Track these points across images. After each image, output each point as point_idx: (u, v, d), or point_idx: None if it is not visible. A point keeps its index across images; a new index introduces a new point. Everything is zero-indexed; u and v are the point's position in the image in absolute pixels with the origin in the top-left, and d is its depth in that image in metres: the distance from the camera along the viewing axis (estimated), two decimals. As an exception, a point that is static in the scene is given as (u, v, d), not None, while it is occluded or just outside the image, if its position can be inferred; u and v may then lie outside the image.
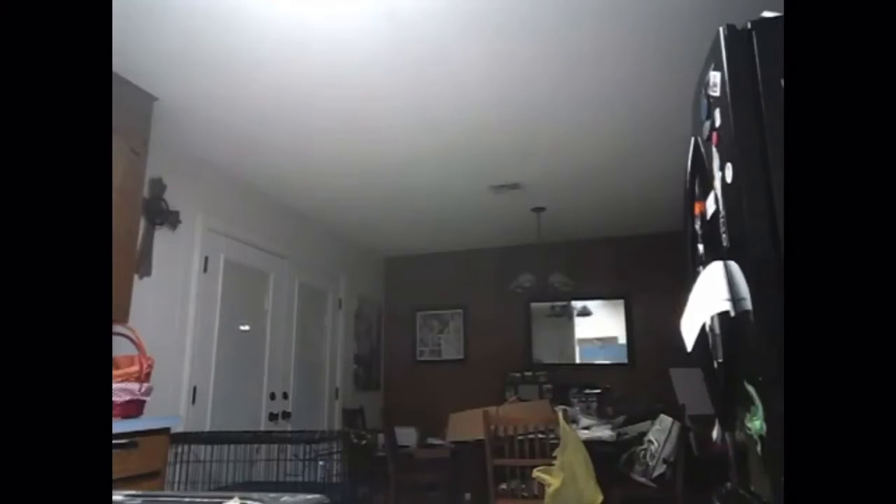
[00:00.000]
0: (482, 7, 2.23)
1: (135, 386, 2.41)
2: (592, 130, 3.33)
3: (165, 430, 2.49)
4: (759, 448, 1.21)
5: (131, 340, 2.51)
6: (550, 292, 4.93)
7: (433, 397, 5.53)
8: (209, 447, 3.14)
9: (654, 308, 5.25)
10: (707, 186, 1.47)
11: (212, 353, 3.65)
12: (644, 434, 3.39)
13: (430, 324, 6.06)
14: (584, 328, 5.62)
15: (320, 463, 3.28)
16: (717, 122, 1.35)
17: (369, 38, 2.41)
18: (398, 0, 2.19)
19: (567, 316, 5.62)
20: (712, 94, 1.36)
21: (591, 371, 5.43)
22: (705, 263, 1.39)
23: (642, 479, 3.25)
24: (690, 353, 1.39)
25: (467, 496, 4.27)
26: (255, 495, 0.84)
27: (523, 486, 3.11)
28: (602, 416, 4.26)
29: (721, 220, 1.35)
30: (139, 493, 0.91)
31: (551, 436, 3.05)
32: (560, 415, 3.01)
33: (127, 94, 2.65)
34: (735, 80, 1.26)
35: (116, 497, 0.83)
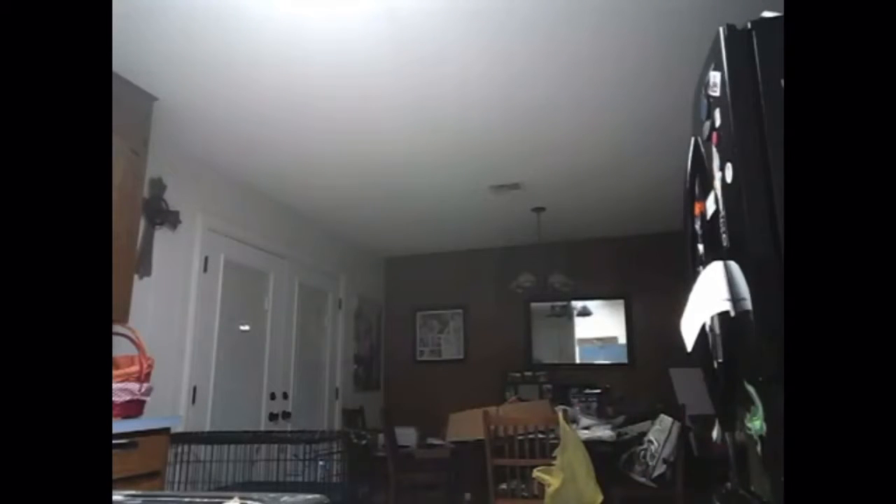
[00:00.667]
0: (482, 7, 2.23)
1: (135, 386, 2.41)
2: (592, 130, 3.33)
3: (165, 430, 2.49)
4: (759, 448, 1.21)
5: (131, 340, 2.51)
6: (550, 292, 4.93)
7: (433, 397, 5.53)
8: (209, 447, 3.14)
9: (654, 308, 5.25)
10: (707, 186, 1.47)
11: (212, 353, 3.66)
12: (644, 434, 3.39)
13: (430, 324, 6.07)
14: (584, 328, 5.63)
15: (320, 463, 3.28)
16: (717, 122, 1.35)
17: (369, 38, 2.41)
18: (398, 0, 2.19)
19: (567, 316, 5.62)
20: (712, 94, 1.36)
21: (591, 371, 5.43)
22: (705, 263, 1.39)
23: (642, 479, 3.25)
24: (690, 353, 1.39)
25: (467, 496, 4.27)
26: (255, 495, 0.84)
27: (523, 486, 3.11)
28: (602, 416, 4.26)
29: (721, 220, 1.35)
30: (139, 493, 0.91)
31: (551, 436, 3.05)
32: (560, 415, 3.01)
33: (127, 94, 2.65)
34: (735, 80, 1.26)
35: (116, 497, 0.83)
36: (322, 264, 5.09)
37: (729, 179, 1.28)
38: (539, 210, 4.71)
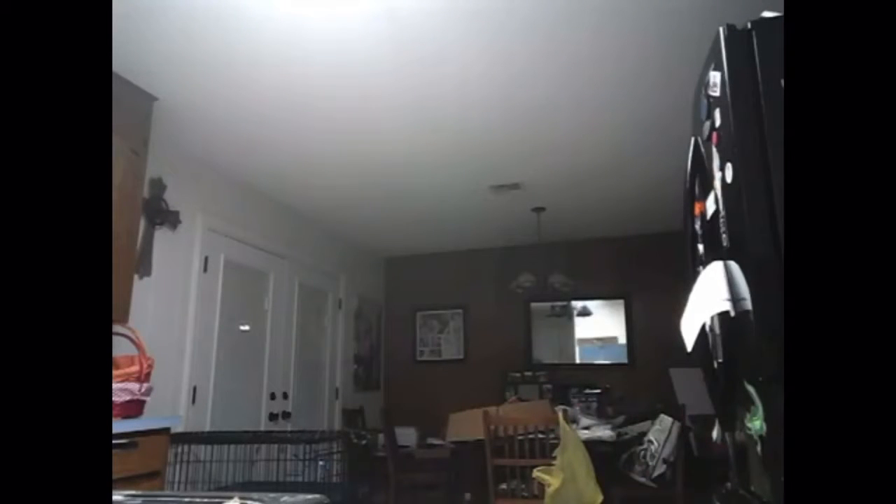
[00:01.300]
0: (482, 7, 2.23)
1: (135, 386, 2.41)
2: (593, 130, 3.33)
3: (165, 430, 2.49)
4: (759, 448, 1.21)
5: (131, 340, 2.51)
6: (550, 292, 4.93)
7: (433, 397, 5.53)
8: (209, 447, 3.14)
9: (654, 308, 5.25)
10: (707, 186, 1.47)
11: (212, 353, 3.66)
12: (644, 434, 3.39)
13: (430, 324, 6.07)
14: (584, 328, 5.63)
15: (320, 463, 3.28)
16: (717, 122, 1.35)
17: (369, 38, 2.41)
18: (398, 0, 2.19)
19: (567, 316, 5.62)
20: (712, 94, 1.36)
21: (591, 371, 5.43)
22: (705, 263, 1.39)
23: (642, 479, 3.25)
24: (690, 353, 1.39)
25: (467, 496, 4.27)
26: (255, 495, 0.84)
27: (523, 486, 3.11)
28: (602, 416, 4.26)
29: (721, 220, 1.35)
30: (139, 493, 0.91)
31: (551, 436, 3.05)
32: (560, 415, 3.01)
33: (127, 94, 2.65)
34: (735, 80, 1.26)
35: (116, 497, 0.83)
36: (322, 264, 5.09)
37: (729, 179, 1.28)
38: (539, 210, 4.71)
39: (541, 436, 3.08)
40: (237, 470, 3.20)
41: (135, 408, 2.42)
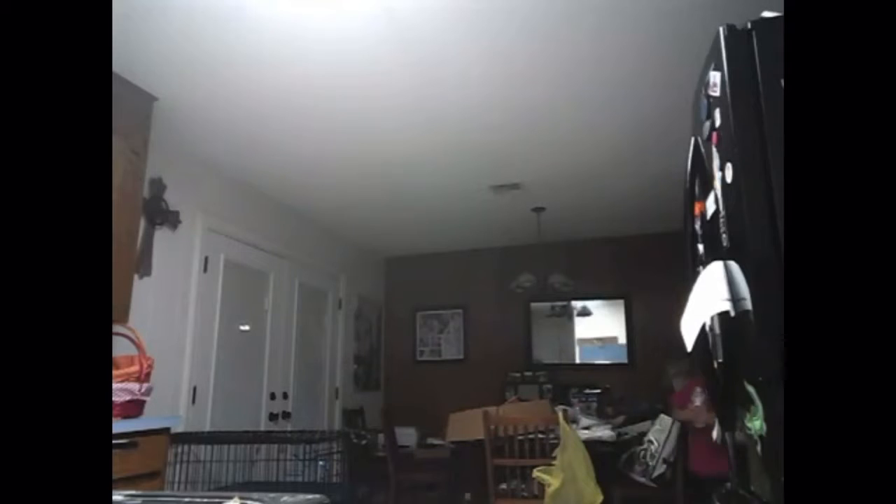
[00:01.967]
0: (482, 7, 2.23)
1: (135, 386, 2.41)
2: (592, 130, 3.33)
3: (165, 430, 2.49)
4: (759, 448, 1.21)
5: (131, 340, 2.51)
6: (550, 292, 4.93)
7: (433, 397, 5.53)
8: (209, 447, 3.14)
9: (654, 308, 5.25)
10: (707, 186, 1.47)
11: (212, 353, 3.66)
12: (644, 434, 3.39)
13: (430, 324, 6.06)
14: (584, 328, 5.62)
15: (320, 463, 3.28)
16: (717, 122, 1.35)
17: (369, 38, 2.41)
18: (398, 0, 2.19)
19: (567, 316, 5.62)
20: (712, 94, 1.36)
21: (591, 371, 5.43)
22: (705, 263, 1.39)
23: (642, 479, 3.25)
24: (690, 353, 1.39)
25: (467, 496, 4.27)
26: (255, 495, 0.84)
27: (523, 486, 3.11)
28: (602, 416, 4.26)
29: (721, 220, 1.35)
30: (139, 493, 0.91)
31: (551, 436, 3.05)
32: (560, 415, 3.01)
33: (127, 94, 2.65)
34: (735, 80, 1.26)
35: (116, 497, 0.83)
36: (322, 264, 5.09)
37: (729, 179, 1.28)
38: (539, 210, 4.71)
39: (541, 436, 3.08)
40: (237, 470, 3.20)
41: (135, 408, 2.42)
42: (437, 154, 3.62)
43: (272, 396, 4.23)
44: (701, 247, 1.54)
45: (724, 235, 1.33)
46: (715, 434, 1.60)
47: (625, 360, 5.40)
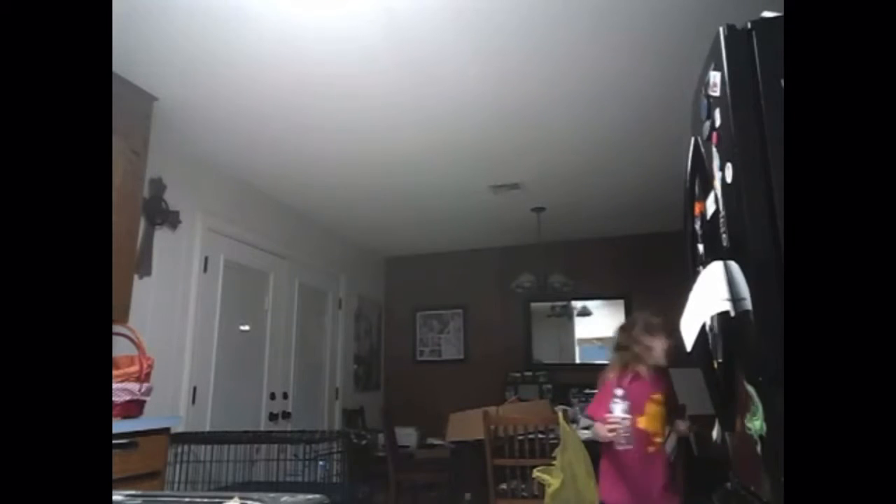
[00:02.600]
0: (481, 6, 2.23)
1: (135, 386, 2.41)
2: (592, 130, 3.33)
3: (165, 430, 2.49)
4: (759, 448, 1.21)
5: (131, 340, 2.51)
6: (550, 292, 4.93)
7: (433, 397, 5.53)
8: (209, 447, 3.14)
9: (654, 308, 5.24)
10: (707, 186, 1.47)
11: (212, 353, 3.65)
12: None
13: (430, 324, 6.06)
14: (584, 328, 5.62)
15: (320, 463, 3.28)
16: (717, 122, 1.35)
17: (368, 37, 2.41)
18: (396, 0, 2.19)
19: (567, 316, 5.62)
20: (712, 94, 1.36)
21: (591, 371, 5.39)
22: (705, 263, 1.39)
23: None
24: (690, 352, 1.39)
25: (467, 496, 4.26)
26: (255, 495, 0.84)
27: (523, 486, 3.11)
28: (602, 416, 4.24)
29: (721, 220, 1.35)
30: (139, 493, 0.91)
31: (551, 436, 3.05)
32: (560, 415, 3.00)
33: (127, 94, 2.65)
34: (735, 80, 1.26)
35: (116, 497, 0.83)
36: (322, 264, 5.09)
37: (729, 179, 1.28)
38: (539, 210, 4.71)
39: (541, 436, 3.08)
40: (237, 470, 3.20)
41: (135, 408, 2.42)
42: (436, 154, 3.62)
43: (272, 396, 4.22)
44: (701, 247, 1.54)
45: (724, 235, 1.33)
46: (715, 434, 1.60)
47: (625, 360, 5.39)
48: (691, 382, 3.29)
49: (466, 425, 3.55)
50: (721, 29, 1.31)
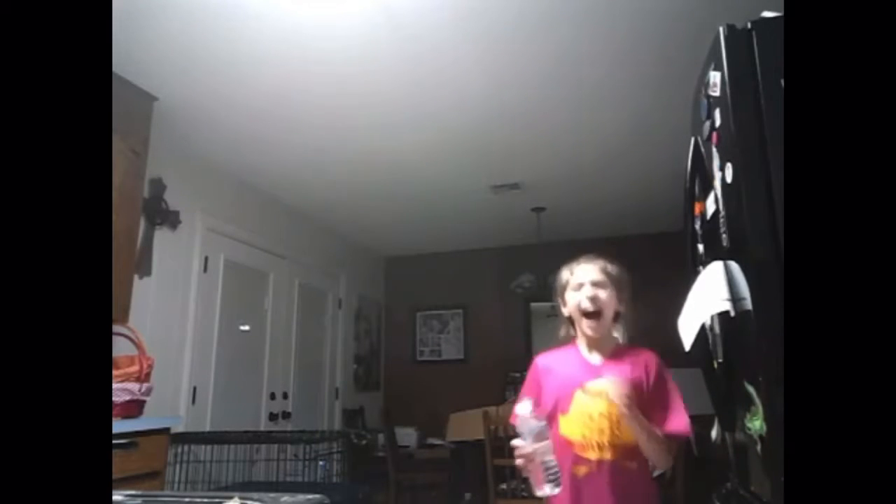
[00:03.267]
0: (480, 7, 2.23)
1: (135, 386, 2.41)
2: (592, 130, 3.33)
3: (165, 430, 2.49)
4: (759, 448, 1.21)
5: (131, 340, 2.51)
6: (550, 292, 4.92)
7: (433, 397, 5.53)
8: (209, 447, 3.14)
9: (654, 308, 5.24)
10: (707, 186, 1.47)
11: (212, 353, 3.65)
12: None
13: (430, 324, 6.06)
14: (584, 328, 5.61)
15: (320, 463, 3.28)
16: (717, 122, 1.35)
17: (368, 37, 2.41)
18: (397, 1, 2.19)
19: (567, 316, 5.61)
20: (712, 94, 1.36)
21: (591, 371, 5.41)
22: (705, 263, 1.39)
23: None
24: (690, 352, 1.39)
25: (467, 496, 4.27)
26: (255, 495, 0.84)
27: (523, 486, 3.11)
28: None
29: (721, 220, 1.35)
30: (139, 493, 0.91)
31: (551, 436, 3.05)
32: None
33: (127, 94, 2.65)
34: (735, 80, 1.26)
35: (116, 497, 0.83)
36: (322, 264, 5.09)
37: (729, 179, 1.28)
38: (539, 210, 4.71)
39: (541, 436, 3.07)
40: (237, 470, 3.20)
41: (135, 408, 2.42)
42: (436, 153, 3.62)
43: (272, 396, 4.22)
44: (701, 247, 1.54)
45: (724, 235, 1.33)
46: (715, 434, 1.60)
47: (625, 360, 5.39)
48: (691, 382, 3.28)
49: (466, 425, 3.55)
50: (721, 29, 1.31)
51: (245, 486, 3.04)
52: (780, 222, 1.12)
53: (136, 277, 2.88)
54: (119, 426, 2.23)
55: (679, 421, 1.49)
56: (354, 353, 5.53)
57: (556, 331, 1.75)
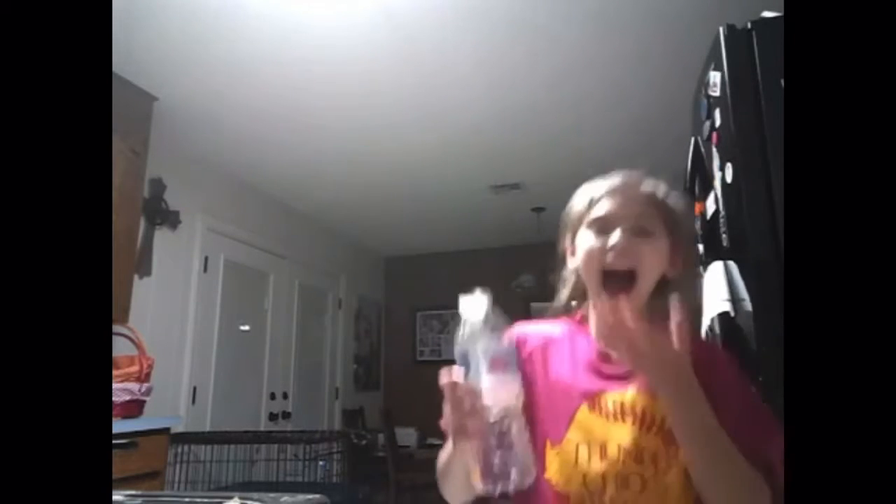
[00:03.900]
0: (481, 7, 2.23)
1: (135, 386, 2.41)
2: (592, 130, 3.33)
3: (165, 430, 2.49)
4: (759, 448, 1.21)
5: (131, 340, 2.51)
6: (550, 292, 4.93)
7: (433, 397, 5.49)
8: (209, 447, 3.14)
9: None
10: (707, 186, 1.47)
11: (212, 353, 3.65)
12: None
13: (430, 324, 6.06)
14: (585, 328, 5.62)
15: (320, 463, 3.28)
16: (717, 122, 1.35)
17: (368, 37, 2.41)
18: (397, 0, 2.19)
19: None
20: (712, 94, 1.36)
21: (591, 371, 5.42)
22: (705, 263, 1.39)
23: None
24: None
25: (467, 496, 4.25)
26: (255, 495, 0.84)
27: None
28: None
29: (721, 220, 1.35)
30: (139, 493, 0.91)
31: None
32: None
33: (127, 94, 2.65)
34: (735, 80, 1.26)
35: (116, 497, 0.83)
36: (322, 264, 5.09)
37: (729, 179, 1.28)
38: (539, 210, 4.71)
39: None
40: (237, 470, 3.20)
41: (135, 408, 2.42)
42: (436, 154, 3.62)
43: (272, 396, 4.22)
44: (701, 247, 1.54)
45: (724, 235, 1.33)
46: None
47: (625, 360, 5.39)
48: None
49: (466, 425, 3.54)
50: (721, 29, 1.31)
51: (245, 486, 3.04)
52: (780, 222, 1.12)
53: (136, 277, 2.88)
54: (119, 426, 2.23)
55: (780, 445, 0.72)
56: (354, 353, 5.53)
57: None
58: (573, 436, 0.84)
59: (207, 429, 3.48)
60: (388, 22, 2.31)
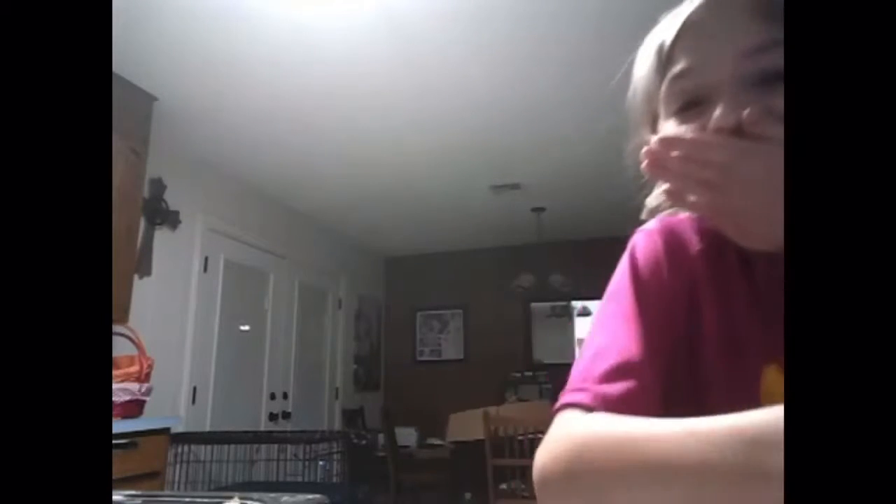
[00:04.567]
0: (481, 7, 2.23)
1: (135, 386, 2.41)
2: (592, 130, 3.33)
3: (165, 430, 2.49)
4: (759, 448, 1.21)
5: (131, 340, 2.51)
6: (550, 292, 4.93)
7: (433, 397, 5.53)
8: (209, 447, 3.14)
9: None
10: (707, 186, 1.47)
11: (212, 353, 3.66)
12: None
13: (430, 324, 6.06)
14: (584, 328, 5.62)
15: (320, 463, 3.28)
16: (718, 122, 1.35)
17: (368, 38, 2.41)
18: (398, 1, 2.19)
19: (567, 316, 5.63)
20: (712, 94, 1.36)
21: (591, 371, 5.42)
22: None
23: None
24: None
25: (467, 496, 4.27)
26: (255, 495, 0.84)
27: (523, 486, 3.11)
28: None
29: (721, 220, 1.35)
30: (139, 493, 0.91)
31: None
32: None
33: (127, 94, 2.65)
34: (735, 80, 1.26)
35: (116, 497, 0.83)
36: (322, 264, 5.09)
37: (729, 179, 1.28)
38: (539, 210, 4.71)
39: (541, 436, 3.07)
40: (237, 470, 3.20)
41: (135, 408, 2.42)
42: (437, 154, 3.62)
43: (272, 396, 4.22)
44: (701, 247, 1.54)
45: (724, 235, 1.33)
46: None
47: (625, 360, 5.39)
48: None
49: (466, 425, 3.55)
50: (721, 29, 1.31)
51: (245, 486, 3.04)
52: (780, 222, 1.12)
53: (136, 277, 2.88)
54: (119, 426, 2.23)
55: None
56: (354, 353, 5.53)
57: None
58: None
59: (207, 429, 3.49)
60: (388, 23, 2.31)
